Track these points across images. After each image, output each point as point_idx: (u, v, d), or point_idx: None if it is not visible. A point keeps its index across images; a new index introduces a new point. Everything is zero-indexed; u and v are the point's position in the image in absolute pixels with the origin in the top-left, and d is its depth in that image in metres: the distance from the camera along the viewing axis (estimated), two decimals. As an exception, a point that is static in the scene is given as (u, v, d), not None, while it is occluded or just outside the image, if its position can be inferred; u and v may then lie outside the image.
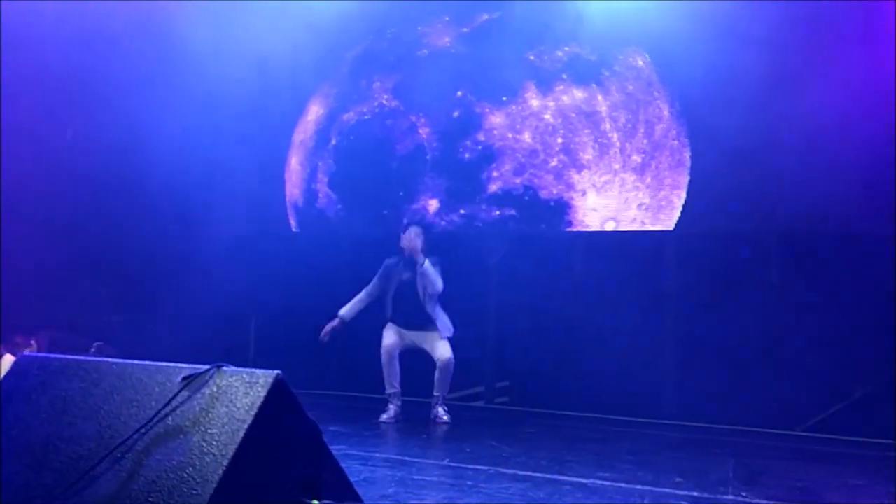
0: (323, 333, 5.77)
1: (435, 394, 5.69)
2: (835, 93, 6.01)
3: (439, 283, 5.64)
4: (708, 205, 6.52)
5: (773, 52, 6.20)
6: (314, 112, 8.09)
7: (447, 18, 7.57)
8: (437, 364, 5.59)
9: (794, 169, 6.18)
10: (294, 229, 8.09)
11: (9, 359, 5.55)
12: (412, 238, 5.70)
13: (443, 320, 5.72)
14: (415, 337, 5.75)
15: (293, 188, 8.13)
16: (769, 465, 4.53)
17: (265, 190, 8.07)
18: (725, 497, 3.49)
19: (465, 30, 7.49)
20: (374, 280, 5.85)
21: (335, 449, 2.32)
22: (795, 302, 6.15)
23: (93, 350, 6.25)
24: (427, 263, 5.62)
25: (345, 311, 5.79)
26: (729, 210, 6.45)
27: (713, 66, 6.33)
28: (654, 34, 6.72)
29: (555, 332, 6.82)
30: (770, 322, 6.22)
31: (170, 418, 2.09)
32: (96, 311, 7.11)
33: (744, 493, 3.59)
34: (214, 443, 2.01)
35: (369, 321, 5.97)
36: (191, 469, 1.96)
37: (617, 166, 6.90)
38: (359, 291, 5.94)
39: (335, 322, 5.77)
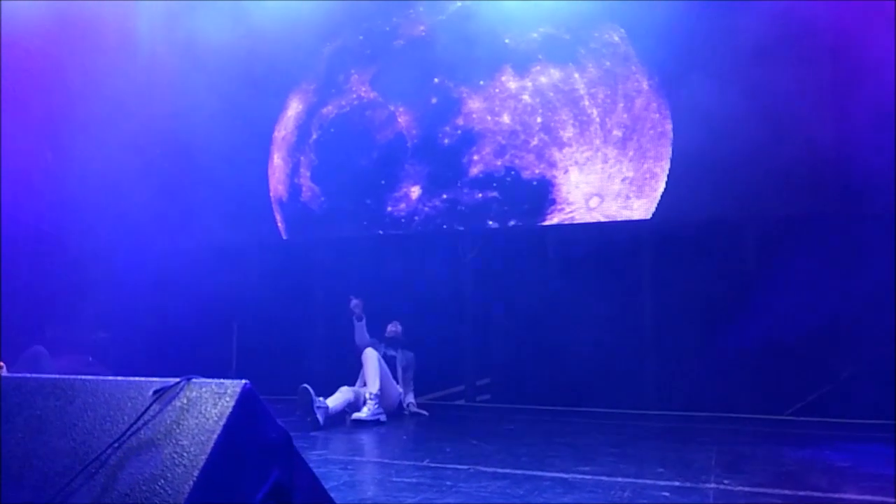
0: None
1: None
2: (815, 60, 6.05)
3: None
4: (691, 177, 6.51)
5: (750, 18, 6.20)
6: (294, 108, 8.14)
7: (421, 9, 7.58)
8: None
9: (777, 142, 6.13)
10: (279, 224, 8.14)
11: None
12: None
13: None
14: None
15: (277, 184, 8.18)
16: (753, 452, 4.46)
17: (246, 194, 8.08)
18: (708, 485, 3.44)
19: (440, 17, 7.50)
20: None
21: (315, 454, 2.38)
22: (777, 285, 6.14)
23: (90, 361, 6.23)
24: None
25: None
26: (709, 187, 6.39)
27: (690, 37, 6.35)
28: (629, 9, 6.75)
29: (534, 327, 6.86)
30: (751, 306, 6.18)
31: (142, 432, 2.15)
32: (81, 328, 7.09)
33: (727, 481, 3.53)
34: (185, 454, 2.06)
35: (350, 329, 6.09)
36: (162, 481, 2.02)
37: (598, 142, 6.93)
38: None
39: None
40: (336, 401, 5.59)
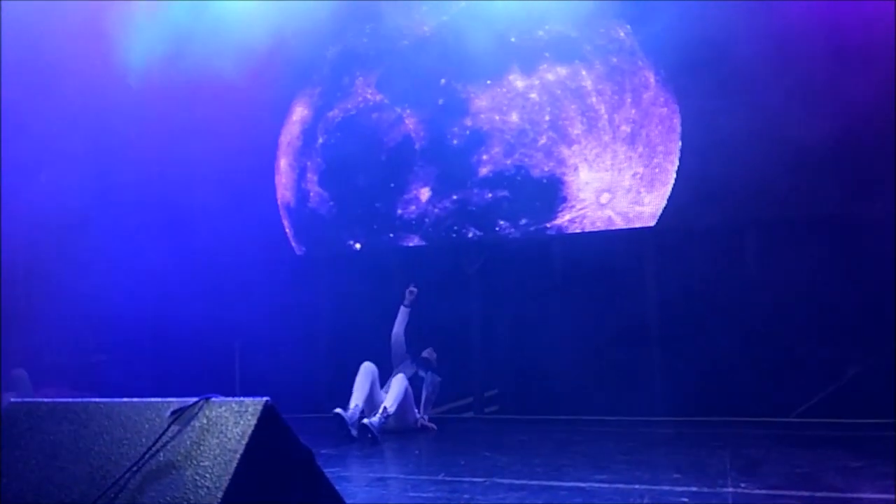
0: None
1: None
2: (823, 48, 5.94)
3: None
4: (700, 172, 6.42)
5: (757, 13, 6.16)
6: (299, 113, 8.09)
7: (425, 9, 7.52)
8: None
9: (784, 141, 6.00)
10: (287, 230, 8.07)
11: None
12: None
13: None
14: None
15: (284, 190, 8.11)
16: (766, 454, 4.45)
17: (252, 203, 7.94)
18: (725, 489, 3.42)
19: (444, 18, 7.44)
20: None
21: (328, 471, 2.30)
22: (781, 287, 6.09)
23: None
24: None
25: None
26: (718, 185, 6.30)
27: (696, 30, 6.26)
28: (634, 4, 6.73)
29: (540, 336, 6.79)
30: (755, 307, 6.17)
31: (161, 454, 2.07)
32: (77, 352, 6.88)
33: (743, 484, 3.51)
34: (208, 475, 1.99)
35: (354, 344, 6.11)
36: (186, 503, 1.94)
37: (607, 138, 6.88)
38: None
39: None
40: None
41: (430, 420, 6.24)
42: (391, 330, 6.24)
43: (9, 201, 6.80)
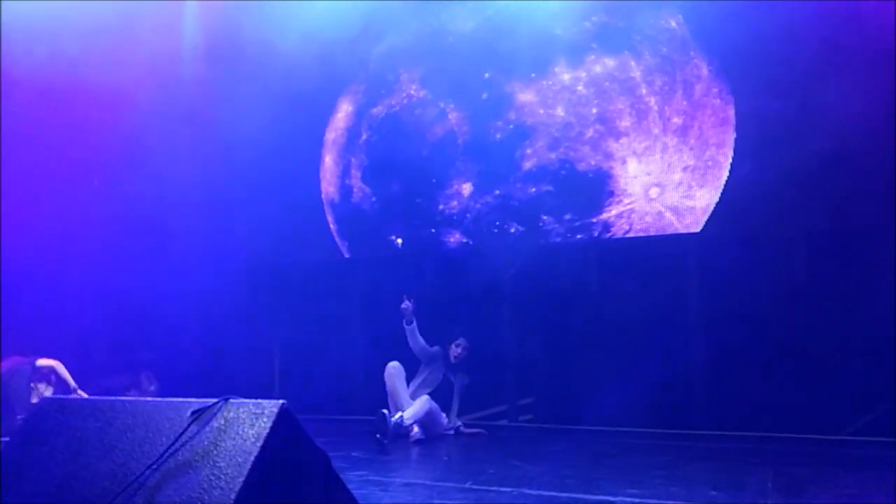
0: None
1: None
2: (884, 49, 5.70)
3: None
4: (751, 173, 6.23)
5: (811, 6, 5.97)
6: (344, 110, 8.15)
7: (470, 6, 7.48)
8: None
9: (842, 144, 5.71)
10: (331, 225, 8.15)
11: None
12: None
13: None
14: None
15: (328, 186, 8.21)
16: (811, 473, 4.26)
17: (296, 201, 8.01)
18: None
19: (489, 12, 7.40)
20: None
21: (355, 474, 2.33)
22: (832, 298, 5.84)
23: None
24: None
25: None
26: (766, 191, 6.09)
27: (749, 18, 6.12)
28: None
29: (576, 345, 6.68)
30: (805, 319, 5.92)
31: (180, 453, 2.14)
32: (127, 350, 7.01)
33: None
34: (223, 476, 2.05)
35: (393, 349, 6.11)
36: (200, 503, 1.99)
37: (657, 131, 6.75)
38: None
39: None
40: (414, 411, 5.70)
41: (468, 426, 6.21)
42: (420, 341, 6.09)
43: (42, 194, 6.92)
